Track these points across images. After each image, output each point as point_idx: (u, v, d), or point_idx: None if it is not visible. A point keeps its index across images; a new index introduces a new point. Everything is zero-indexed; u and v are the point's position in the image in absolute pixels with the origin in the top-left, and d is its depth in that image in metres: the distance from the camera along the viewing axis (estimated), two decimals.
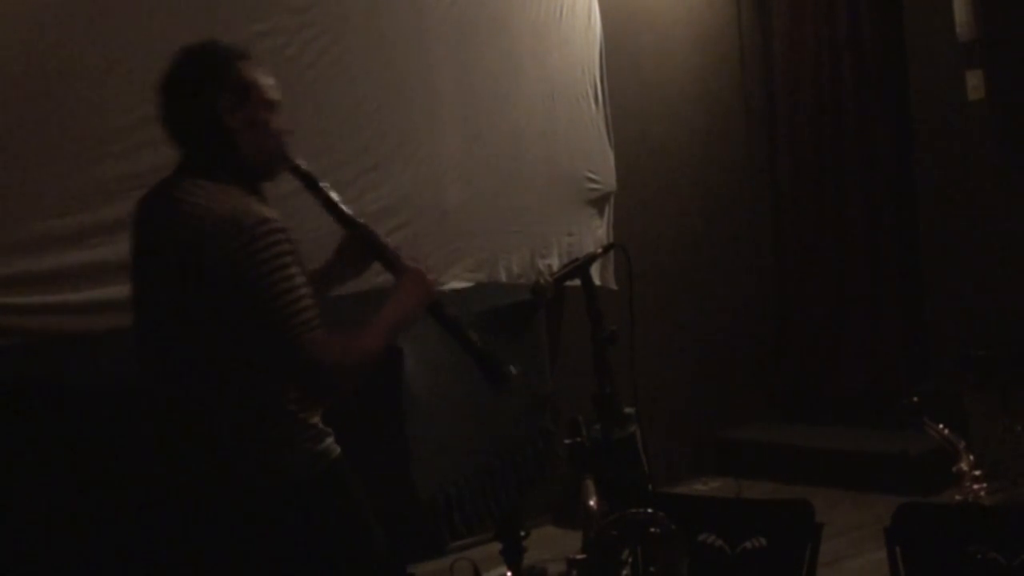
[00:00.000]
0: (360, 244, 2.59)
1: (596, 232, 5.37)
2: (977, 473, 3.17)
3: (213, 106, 2.36)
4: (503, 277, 4.94)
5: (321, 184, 2.54)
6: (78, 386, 3.64)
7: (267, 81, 2.46)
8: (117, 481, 3.70)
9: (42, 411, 3.61)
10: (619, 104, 5.51)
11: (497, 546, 3.85)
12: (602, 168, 5.41)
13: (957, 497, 3.18)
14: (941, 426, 3.28)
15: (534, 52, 5.13)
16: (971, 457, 3.20)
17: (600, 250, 4.15)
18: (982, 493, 3.14)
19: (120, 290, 3.74)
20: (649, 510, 2.36)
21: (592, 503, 3.14)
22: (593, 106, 5.38)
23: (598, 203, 5.41)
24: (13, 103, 3.58)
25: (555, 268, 4.87)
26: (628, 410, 3.92)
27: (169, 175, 2.42)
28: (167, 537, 2.45)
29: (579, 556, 2.76)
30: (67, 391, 3.62)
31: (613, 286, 5.18)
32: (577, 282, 3.02)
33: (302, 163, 2.53)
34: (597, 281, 4.82)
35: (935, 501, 4.02)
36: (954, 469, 3.22)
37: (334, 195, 2.55)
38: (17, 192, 3.59)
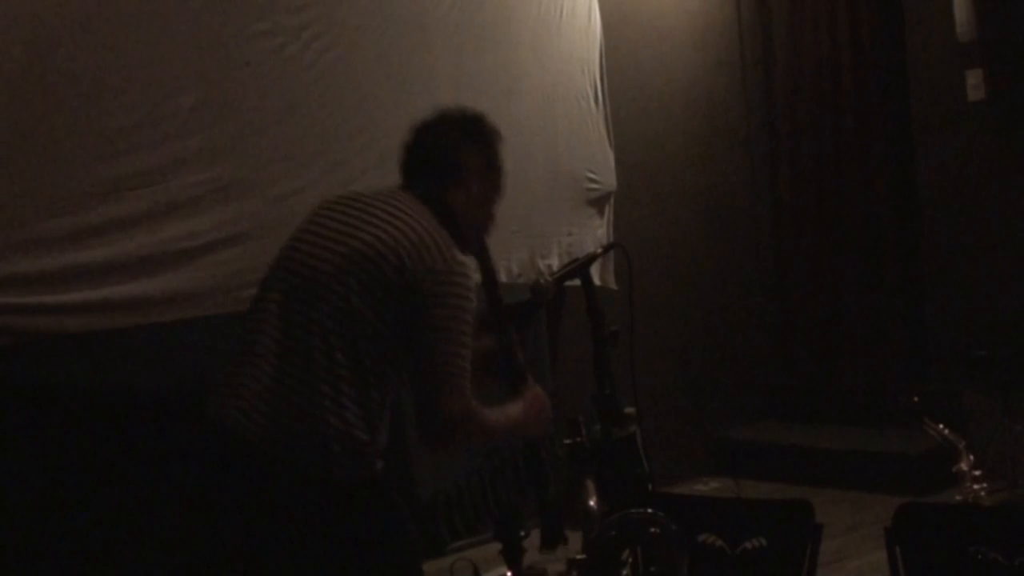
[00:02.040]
0: (501, 358, 2.70)
1: (596, 232, 5.36)
2: (977, 473, 3.17)
3: (468, 163, 2.54)
4: (503, 277, 4.93)
5: (497, 280, 2.72)
6: (78, 386, 3.64)
7: (503, 172, 2.62)
8: (117, 480, 3.70)
9: (42, 411, 3.61)
10: (619, 104, 5.51)
11: (497, 546, 3.85)
12: (602, 168, 5.41)
13: (957, 497, 3.19)
14: (941, 426, 3.29)
15: (534, 52, 5.12)
16: (971, 457, 3.21)
17: (600, 250, 4.15)
18: (982, 493, 3.15)
19: (120, 290, 3.78)
20: (649, 510, 2.36)
21: (592, 503, 3.14)
22: (593, 106, 5.38)
23: (598, 203, 5.41)
24: (13, 103, 3.58)
25: (555, 268, 4.87)
26: (628, 410, 3.91)
27: (392, 187, 2.56)
28: (166, 535, 2.45)
29: (579, 556, 2.76)
30: (67, 391, 3.62)
31: (613, 286, 5.18)
32: (577, 282, 3.01)
33: (492, 256, 2.71)
34: (597, 281, 4.82)
35: (935, 501, 4.02)
36: (954, 469, 3.23)
37: (501, 297, 2.70)
38: (17, 192, 3.59)
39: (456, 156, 2.53)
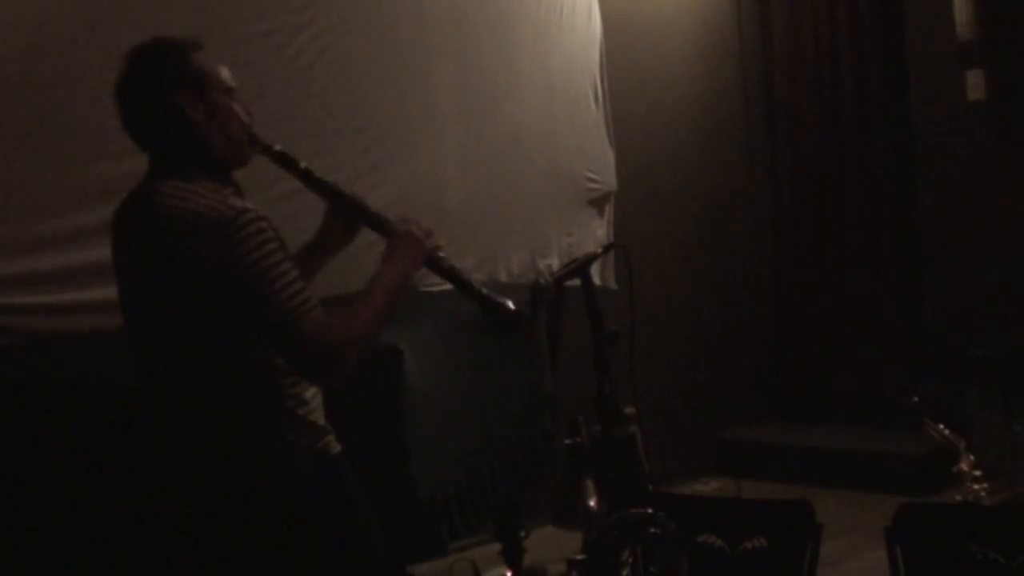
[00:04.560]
0: (347, 212, 2.56)
1: (596, 232, 5.36)
2: (977, 473, 3.17)
3: (173, 102, 2.32)
4: (503, 277, 4.94)
5: (296, 159, 2.50)
6: (78, 386, 3.64)
7: (221, 68, 2.41)
8: (118, 481, 3.70)
9: (42, 411, 3.61)
10: (619, 104, 5.51)
11: (497, 546, 3.86)
12: (602, 168, 5.41)
13: (957, 497, 3.18)
14: (941, 426, 3.29)
15: (534, 52, 5.12)
16: (971, 457, 3.20)
17: (600, 250, 4.15)
18: (982, 493, 3.15)
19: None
20: (649, 510, 2.36)
21: (592, 503, 3.14)
22: (593, 106, 5.38)
23: (598, 203, 5.41)
24: (13, 103, 3.57)
25: (555, 268, 4.87)
26: (628, 410, 3.92)
27: (140, 181, 2.40)
28: (165, 539, 2.44)
29: (579, 556, 2.76)
30: (67, 391, 3.62)
31: (613, 286, 5.18)
32: (577, 282, 3.01)
33: (273, 143, 2.49)
34: (597, 281, 4.82)
35: (935, 501, 4.02)
36: (954, 469, 3.22)
37: (307, 167, 2.51)
38: (17, 192, 3.59)
39: (161, 106, 2.32)
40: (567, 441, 3.81)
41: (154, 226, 2.28)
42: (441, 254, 2.53)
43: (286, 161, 2.50)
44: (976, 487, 3.16)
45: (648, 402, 3.90)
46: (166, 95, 2.32)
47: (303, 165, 2.51)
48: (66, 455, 3.63)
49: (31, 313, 3.58)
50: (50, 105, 3.65)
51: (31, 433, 3.59)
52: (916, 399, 3.34)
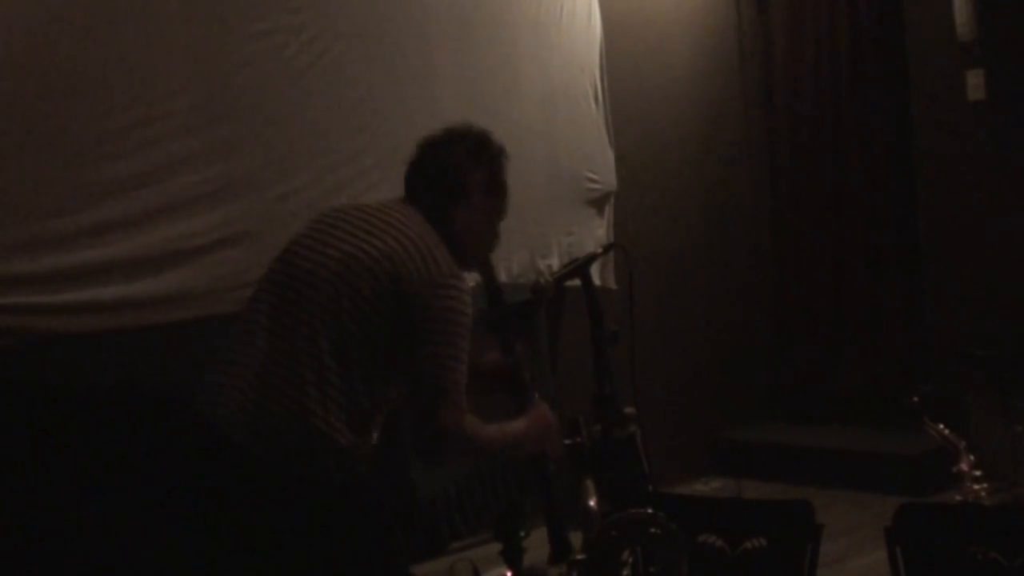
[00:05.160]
0: (506, 373, 2.72)
1: (596, 232, 5.37)
2: (977, 473, 3.17)
3: (469, 190, 2.53)
4: (503, 277, 4.93)
5: (504, 295, 2.73)
6: (79, 386, 3.64)
7: (508, 190, 2.63)
8: (116, 480, 3.70)
9: (42, 411, 3.61)
10: (619, 104, 5.51)
11: (497, 546, 3.85)
12: (602, 168, 5.41)
13: (957, 497, 3.18)
14: (941, 426, 3.28)
15: (534, 52, 5.13)
16: (971, 457, 3.20)
17: (600, 250, 4.15)
18: (982, 493, 3.14)
19: (119, 290, 3.78)
20: (649, 510, 2.36)
21: (592, 503, 3.14)
22: (593, 106, 5.38)
23: (598, 203, 5.41)
24: (12, 103, 3.58)
25: (555, 268, 4.87)
26: (628, 410, 3.91)
27: (391, 199, 2.57)
28: (170, 535, 2.45)
29: (579, 556, 2.76)
30: (67, 391, 3.62)
31: (613, 286, 5.18)
32: (577, 282, 3.01)
33: (496, 273, 2.75)
34: (597, 281, 4.82)
35: (935, 501, 4.02)
36: (954, 469, 3.22)
37: (505, 298, 2.74)
38: (17, 192, 3.59)
39: (459, 173, 2.54)
40: (567, 441, 3.80)
41: (396, 240, 2.40)
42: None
43: (495, 293, 2.74)
44: (976, 487, 3.16)
45: (648, 402, 3.90)
46: (469, 181, 2.54)
47: (507, 306, 2.74)
48: (65, 454, 3.63)
49: (31, 313, 3.58)
50: (50, 106, 3.65)
51: (31, 433, 3.59)
52: (916, 399, 3.34)
